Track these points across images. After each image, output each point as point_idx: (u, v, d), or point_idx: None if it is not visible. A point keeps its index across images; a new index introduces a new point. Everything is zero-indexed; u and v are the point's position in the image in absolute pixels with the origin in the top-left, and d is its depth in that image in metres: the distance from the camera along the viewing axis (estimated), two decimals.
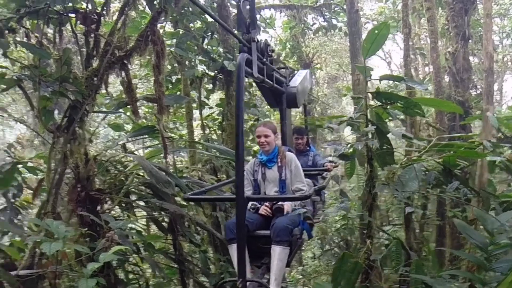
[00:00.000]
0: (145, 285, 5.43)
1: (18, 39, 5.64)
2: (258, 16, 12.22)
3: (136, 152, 7.73)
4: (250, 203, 4.30)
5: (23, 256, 4.86)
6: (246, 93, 10.36)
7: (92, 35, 5.84)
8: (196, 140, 10.53)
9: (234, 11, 11.12)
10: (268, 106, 13.57)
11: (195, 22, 10.00)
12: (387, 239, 4.50)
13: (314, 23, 14.54)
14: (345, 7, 12.27)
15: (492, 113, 5.19)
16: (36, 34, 5.82)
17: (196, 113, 11.26)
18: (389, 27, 3.81)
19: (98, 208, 5.48)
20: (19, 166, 6.62)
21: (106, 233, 4.28)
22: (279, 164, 4.38)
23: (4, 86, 5.39)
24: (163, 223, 5.88)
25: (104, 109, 7.17)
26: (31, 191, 6.87)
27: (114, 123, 7.61)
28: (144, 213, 6.15)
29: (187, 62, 10.06)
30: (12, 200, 7.08)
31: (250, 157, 7.33)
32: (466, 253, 4.27)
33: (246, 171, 4.43)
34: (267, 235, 3.94)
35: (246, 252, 3.66)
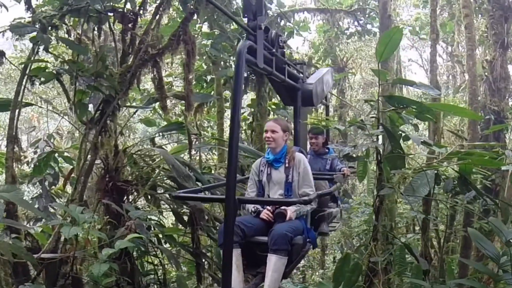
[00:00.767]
0: (163, 276, 5.55)
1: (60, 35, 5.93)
2: (291, 20, 12.22)
3: (165, 147, 7.93)
4: (251, 206, 4.03)
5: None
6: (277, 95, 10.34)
7: (129, 34, 6.04)
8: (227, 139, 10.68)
9: (268, 13, 11.19)
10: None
11: (230, 23, 10.14)
12: (405, 244, 4.39)
13: (348, 28, 14.39)
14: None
15: None
16: (77, 31, 6.09)
17: (227, 112, 11.42)
18: (402, 32, 3.76)
19: (124, 199, 5.67)
20: (56, 155, 6.95)
21: (126, 222, 4.42)
22: (287, 165, 4.01)
23: (44, 79, 5.65)
24: (184, 217, 6.01)
25: (135, 104, 7.37)
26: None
27: (146, 118, 7.83)
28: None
29: (222, 63, 10.19)
30: (48, 188, 7.43)
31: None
32: (477, 263, 4.14)
33: (251, 171, 4.23)
34: (265, 242, 3.59)
35: (240, 259, 3.52)
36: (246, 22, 3.22)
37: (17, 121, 5.65)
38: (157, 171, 6.11)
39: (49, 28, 5.42)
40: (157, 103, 6.29)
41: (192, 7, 5.98)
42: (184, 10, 6.36)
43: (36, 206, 7.02)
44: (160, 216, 6.60)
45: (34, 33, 5.15)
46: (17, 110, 5.53)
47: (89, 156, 5.55)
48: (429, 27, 13.32)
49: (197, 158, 8.32)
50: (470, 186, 3.94)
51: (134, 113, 7.06)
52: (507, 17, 10.30)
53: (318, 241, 5.64)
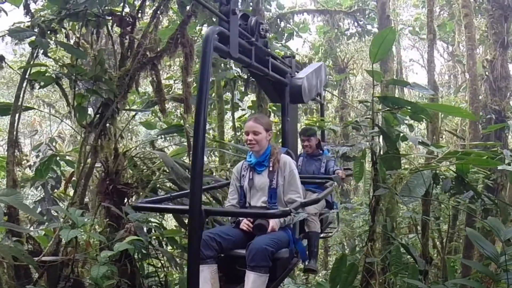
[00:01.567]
0: (165, 279, 5.55)
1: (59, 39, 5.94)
2: (291, 21, 12.23)
3: (166, 149, 7.93)
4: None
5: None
6: None
7: (127, 37, 6.04)
8: (229, 141, 10.68)
9: (267, 14, 11.20)
10: (303, 112, 13.63)
11: None
12: (403, 245, 4.37)
13: (348, 28, 14.40)
14: None
15: None
16: (76, 35, 6.11)
17: (229, 115, 11.43)
18: (395, 32, 3.75)
19: (125, 201, 5.67)
20: (57, 159, 6.97)
21: (126, 225, 4.43)
22: (271, 169, 3.56)
23: (43, 83, 5.66)
24: (185, 219, 6.00)
25: (135, 107, 7.38)
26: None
27: (147, 121, 7.85)
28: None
29: (221, 65, 10.20)
30: (51, 192, 7.45)
31: None
32: (476, 263, 4.12)
33: (232, 175, 3.79)
34: (245, 256, 3.14)
35: (216, 276, 3.14)
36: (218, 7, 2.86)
37: (18, 125, 5.66)
38: (157, 173, 6.12)
39: (48, 32, 5.44)
40: (157, 106, 6.30)
41: (189, 10, 6.00)
42: (181, 13, 6.37)
43: (39, 209, 7.04)
44: (161, 218, 6.59)
45: (33, 38, 5.16)
46: (17, 114, 5.54)
47: (89, 159, 5.56)
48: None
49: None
50: (467, 186, 3.92)
51: (134, 116, 7.07)
52: (506, 16, 10.30)
53: (321, 242, 5.50)
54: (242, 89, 10.98)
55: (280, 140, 4.73)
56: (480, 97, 10.31)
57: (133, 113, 6.83)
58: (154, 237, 5.43)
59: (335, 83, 14.27)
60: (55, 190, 7.63)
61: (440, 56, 19.27)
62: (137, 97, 7.88)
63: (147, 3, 6.30)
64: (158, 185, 6.08)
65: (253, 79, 10.03)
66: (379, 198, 4.16)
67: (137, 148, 6.63)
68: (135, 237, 4.14)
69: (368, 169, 4.64)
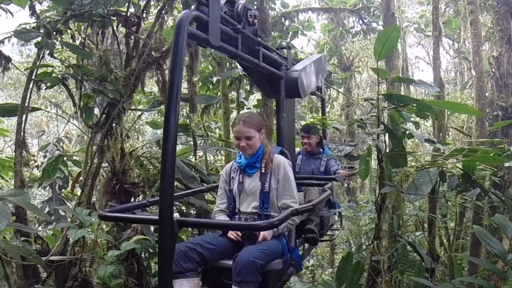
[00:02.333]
0: None
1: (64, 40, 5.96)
2: (296, 19, 12.20)
3: None
4: (221, 220, 3.27)
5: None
6: None
7: (132, 37, 6.05)
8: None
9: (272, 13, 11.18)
10: (308, 111, 13.58)
11: None
12: (409, 242, 4.35)
13: (353, 26, 14.35)
14: None
15: None
16: (82, 36, 6.13)
17: (234, 113, 11.42)
18: (399, 29, 3.71)
19: (132, 201, 5.68)
20: (65, 159, 7.00)
21: (133, 224, 4.44)
22: (263, 171, 3.22)
23: (50, 84, 5.68)
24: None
25: (141, 107, 7.40)
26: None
27: (153, 120, 7.87)
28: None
29: (227, 64, 10.20)
30: (58, 192, 7.50)
31: None
32: (483, 261, 4.09)
33: (221, 178, 3.47)
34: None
35: None
36: None
37: (25, 125, 5.69)
38: None
39: (54, 33, 5.45)
40: (162, 105, 6.30)
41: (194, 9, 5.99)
42: None
43: (47, 209, 7.09)
44: None
45: (39, 39, 5.17)
46: (24, 115, 5.56)
47: (96, 159, 5.58)
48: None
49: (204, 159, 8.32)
50: (474, 183, 3.89)
51: (140, 116, 7.10)
52: None
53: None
54: (248, 88, 10.97)
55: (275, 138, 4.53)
56: (487, 94, 10.22)
57: (139, 112, 6.85)
58: None
59: (341, 81, 14.22)
60: (63, 190, 7.68)
61: (446, 53, 19.15)
62: (143, 97, 7.90)
63: (152, 3, 6.29)
64: None
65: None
66: (385, 196, 4.12)
67: (144, 148, 6.64)
68: (142, 237, 4.15)
69: (373, 167, 4.59)
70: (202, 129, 9.49)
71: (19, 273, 4.59)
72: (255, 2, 9.62)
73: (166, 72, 6.54)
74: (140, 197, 5.86)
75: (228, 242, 3.08)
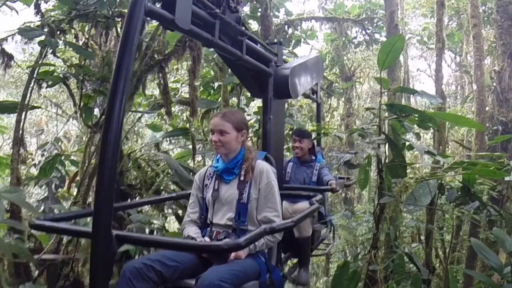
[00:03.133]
0: None
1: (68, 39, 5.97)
2: (299, 28, 12.24)
3: (171, 152, 7.94)
4: (191, 231, 2.89)
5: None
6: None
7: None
8: None
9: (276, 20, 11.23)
10: (309, 119, 13.58)
11: None
12: (406, 253, 4.32)
13: (356, 36, 14.41)
14: None
15: None
16: (85, 36, 6.14)
17: None
18: (404, 40, 3.73)
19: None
20: (62, 158, 6.98)
21: (128, 226, 4.42)
22: (242, 178, 2.84)
23: (51, 83, 5.69)
24: None
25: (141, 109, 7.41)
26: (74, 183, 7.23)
27: (152, 123, 7.87)
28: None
29: (228, 69, 10.20)
30: (54, 191, 7.46)
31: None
32: (479, 273, 4.07)
33: (193, 183, 3.09)
34: None
35: None
36: None
37: (24, 123, 5.67)
38: (161, 175, 6.11)
39: (58, 32, 5.47)
40: (163, 108, 6.31)
41: None
42: None
43: (42, 207, 7.04)
44: (164, 221, 6.57)
45: (43, 37, 5.18)
46: (23, 113, 5.56)
47: (93, 159, 5.57)
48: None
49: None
50: (473, 197, 3.88)
51: (139, 118, 7.09)
52: None
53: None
54: (249, 94, 10.97)
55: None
56: (487, 108, 10.25)
57: (139, 115, 6.84)
58: None
59: (342, 91, 14.26)
60: (59, 189, 7.64)
61: (448, 66, 19.23)
62: (144, 99, 7.91)
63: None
64: (161, 187, 6.08)
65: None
66: (384, 206, 4.10)
67: (142, 150, 6.63)
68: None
69: (373, 177, 4.56)
70: (202, 133, 9.49)
71: (10, 271, 4.55)
72: (259, 9, 9.66)
73: (168, 75, 6.57)
74: (137, 199, 5.85)
75: (195, 258, 2.67)
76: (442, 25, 9.81)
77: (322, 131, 6.39)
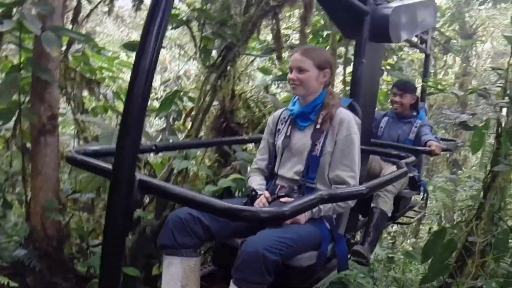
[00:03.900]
0: None
1: None
2: None
3: (278, 95, 7.95)
4: (255, 182, 2.44)
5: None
6: (394, 56, 9.59)
7: None
8: None
9: None
10: (420, 75, 12.44)
11: None
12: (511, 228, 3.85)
13: None
14: None
15: None
16: None
17: (340, 69, 10.96)
18: None
19: None
20: (181, 94, 7.35)
21: (232, 162, 4.54)
22: (318, 126, 2.32)
23: (175, 25, 5.88)
24: None
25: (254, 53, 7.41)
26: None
27: (264, 67, 7.85)
28: None
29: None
30: (172, 123, 7.96)
31: None
32: None
33: (267, 126, 2.62)
34: None
35: (195, 273, 2.08)
36: None
37: None
38: (267, 116, 6.17)
39: None
40: (274, 53, 6.27)
41: None
42: None
43: (160, 138, 7.58)
44: None
45: None
46: None
47: (208, 97, 5.77)
48: None
49: None
50: None
51: (252, 61, 7.14)
52: None
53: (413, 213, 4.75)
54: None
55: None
56: None
57: (252, 58, 6.89)
58: None
59: (459, 48, 12.80)
60: (176, 122, 8.13)
61: None
62: (257, 44, 7.89)
63: None
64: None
65: None
66: (497, 174, 3.62)
67: (252, 92, 6.72)
68: (239, 176, 4.17)
69: (488, 142, 4.03)
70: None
71: None
72: None
73: (281, 21, 6.43)
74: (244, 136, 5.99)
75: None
76: None
77: (438, 87, 5.71)
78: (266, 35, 10.32)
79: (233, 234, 2.21)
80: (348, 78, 10.78)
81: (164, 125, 7.68)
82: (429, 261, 3.66)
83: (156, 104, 8.62)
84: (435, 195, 10.07)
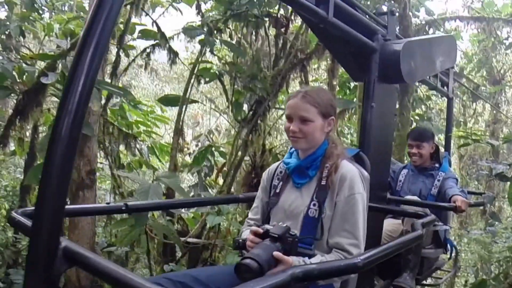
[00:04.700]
0: None
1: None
2: (441, 28, 10.68)
3: None
4: (245, 229, 1.99)
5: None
6: (423, 106, 9.07)
7: (281, 38, 5.79)
8: None
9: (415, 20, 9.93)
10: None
11: None
12: None
13: (508, 37, 12.10)
14: None
15: None
16: (238, 35, 6.00)
17: None
18: None
19: None
20: (213, 149, 7.00)
21: None
22: (323, 182, 1.79)
23: (208, 79, 5.63)
24: None
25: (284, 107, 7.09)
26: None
27: None
28: None
29: None
30: (204, 179, 7.57)
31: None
32: None
33: (261, 182, 2.08)
34: None
35: None
36: None
37: (184, 116, 5.74)
38: None
39: (215, 31, 5.36)
40: None
41: None
42: None
43: (192, 193, 7.15)
44: None
45: (203, 36, 5.10)
46: (184, 106, 5.59)
47: (240, 152, 5.41)
48: None
49: None
50: None
51: (282, 115, 6.78)
52: None
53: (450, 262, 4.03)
54: None
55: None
56: None
57: (281, 112, 6.52)
58: None
59: (488, 95, 12.13)
60: (207, 178, 7.74)
61: None
62: (286, 97, 7.60)
63: None
64: None
65: (396, 87, 8.97)
66: None
67: (281, 146, 6.30)
68: None
69: None
70: (336, 133, 8.84)
71: (159, 250, 4.59)
72: (398, 9, 8.55)
73: (309, 74, 6.16)
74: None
75: (234, 280, 1.46)
76: None
77: (472, 137, 5.07)
78: (293, 88, 10.09)
79: None
80: None
81: (196, 181, 7.32)
82: None
83: (188, 159, 8.30)
84: (470, 247, 9.12)
